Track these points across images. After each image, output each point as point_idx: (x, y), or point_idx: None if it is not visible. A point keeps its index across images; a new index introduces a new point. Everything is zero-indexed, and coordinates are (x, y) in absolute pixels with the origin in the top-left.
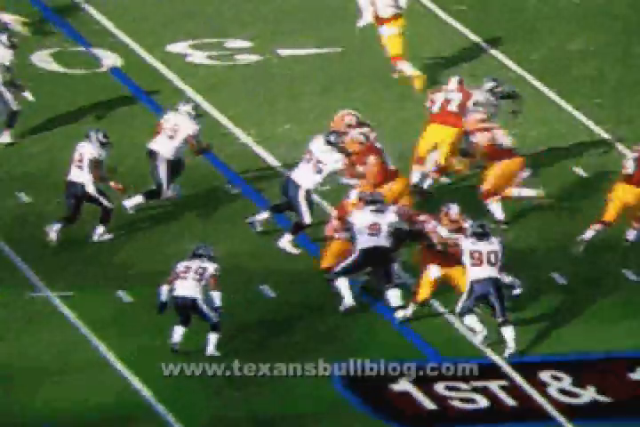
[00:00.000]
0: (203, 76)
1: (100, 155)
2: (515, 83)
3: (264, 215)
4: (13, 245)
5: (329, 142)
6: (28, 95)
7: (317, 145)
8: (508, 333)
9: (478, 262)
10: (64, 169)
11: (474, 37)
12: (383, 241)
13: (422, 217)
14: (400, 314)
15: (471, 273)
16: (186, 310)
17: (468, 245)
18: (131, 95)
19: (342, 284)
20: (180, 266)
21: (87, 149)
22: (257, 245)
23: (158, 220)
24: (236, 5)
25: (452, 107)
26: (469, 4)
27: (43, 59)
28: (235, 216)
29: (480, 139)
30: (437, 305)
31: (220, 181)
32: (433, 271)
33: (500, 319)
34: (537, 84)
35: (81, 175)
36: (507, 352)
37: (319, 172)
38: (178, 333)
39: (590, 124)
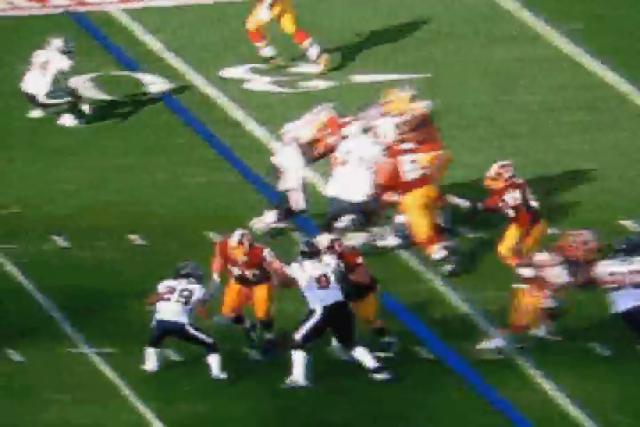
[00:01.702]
0: (264, 105)
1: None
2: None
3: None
4: (48, 295)
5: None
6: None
7: (360, 145)
8: None
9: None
10: (105, 209)
11: (590, 60)
12: (338, 294)
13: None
14: (485, 344)
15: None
16: (170, 335)
17: (603, 267)
18: (182, 125)
19: (299, 357)
20: (163, 286)
21: (294, 164)
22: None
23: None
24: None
25: None
26: (586, 22)
27: (82, 84)
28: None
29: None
30: (539, 376)
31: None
32: (547, 302)
33: None
34: None
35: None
36: None
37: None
38: (152, 357)
39: None
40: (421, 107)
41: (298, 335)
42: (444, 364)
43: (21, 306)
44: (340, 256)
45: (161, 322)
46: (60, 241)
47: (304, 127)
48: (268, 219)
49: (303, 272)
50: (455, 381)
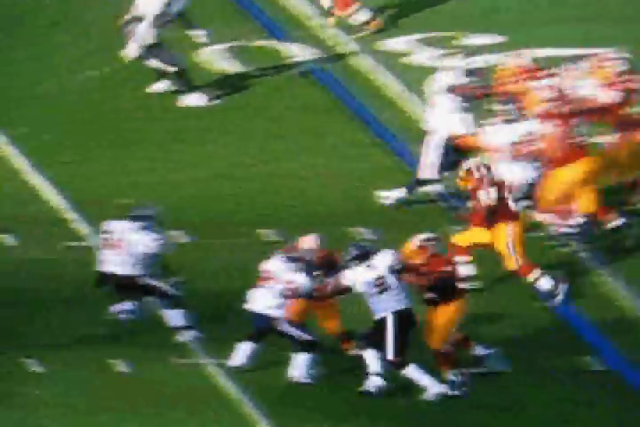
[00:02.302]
0: (427, 82)
1: None
2: None
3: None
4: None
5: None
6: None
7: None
8: None
9: None
10: (237, 200)
11: None
12: (405, 299)
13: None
14: None
15: None
16: (262, 329)
17: None
18: (332, 102)
19: (413, 372)
20: (264, 268)
21: (440, 125)
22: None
23: None
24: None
25: None
26: None
27: (217, 55)
28: None
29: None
30: None
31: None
32: None
33: None
34: None
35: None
36: None
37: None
38: (239, 351)
39: None
40: (628, 82)
41: (390, 355)
42: (620, 376)
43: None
44: (429, 258)
45: (251, 313)
46: (181, 236)
47: (453, 75)
48: (397, 193)
49: (357, 278)
50: (632, 395)
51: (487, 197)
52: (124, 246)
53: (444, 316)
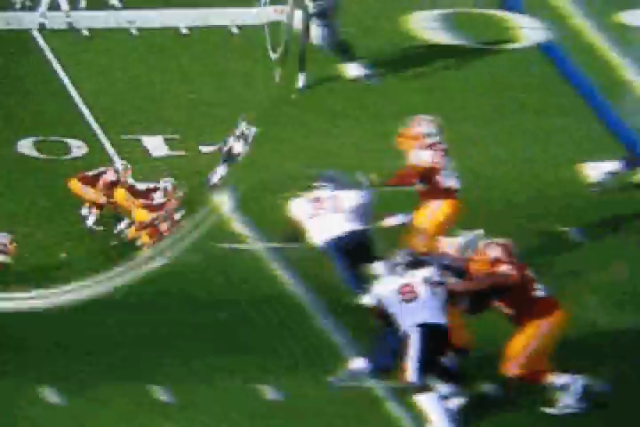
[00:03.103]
0: None
1: None
2: None
3: None
4: (330, 312)
5: None
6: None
7: None
8: None
9: None
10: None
11: None
12: (436, 313)
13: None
14: None
15: None
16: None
17: None
18: (560, 84)
19: (429, 401)
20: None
21: None
22: None
23: None
24: None
25: None
26: None
27: (425, 24)
28: None
29: None
30: None
31: None
32: None
33: None
34: None
35: None
36: None
37: None
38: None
39: None
40: None
41: (410, 375)
42: None
43: (289, 326)
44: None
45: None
46: None
47: None
48: (606, 168)
49: (383, 288)
50: None
51: (418, 157)
52: (336, 205)
53: (520, 338)
